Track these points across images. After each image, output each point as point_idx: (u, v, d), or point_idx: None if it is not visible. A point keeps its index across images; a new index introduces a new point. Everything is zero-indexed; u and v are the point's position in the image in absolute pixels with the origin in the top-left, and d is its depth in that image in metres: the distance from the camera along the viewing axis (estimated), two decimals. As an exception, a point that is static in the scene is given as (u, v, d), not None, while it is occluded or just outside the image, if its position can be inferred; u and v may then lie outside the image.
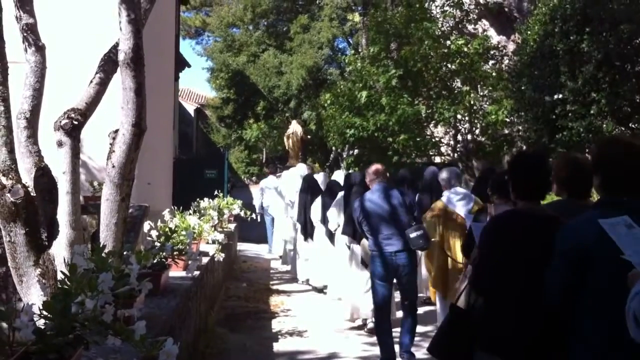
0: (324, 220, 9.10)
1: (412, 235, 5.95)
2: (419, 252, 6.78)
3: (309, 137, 19.54)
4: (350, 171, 12.03)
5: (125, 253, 3.77)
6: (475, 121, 13.09)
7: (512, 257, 3.26)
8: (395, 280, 6.45)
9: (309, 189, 10.39)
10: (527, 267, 3.16)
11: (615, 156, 2.76)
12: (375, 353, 6.42)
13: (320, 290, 9.97)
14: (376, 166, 6.75)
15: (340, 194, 8.61)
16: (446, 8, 13.73)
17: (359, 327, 7.77)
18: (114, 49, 4.89)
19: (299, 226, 10.80)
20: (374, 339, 6.89)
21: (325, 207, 9.11)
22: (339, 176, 10.10)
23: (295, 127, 16.08)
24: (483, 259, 3.44)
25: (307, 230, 10.22)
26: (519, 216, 3.39)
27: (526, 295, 3.16)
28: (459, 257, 6.36)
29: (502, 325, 3.24)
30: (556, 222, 3.13)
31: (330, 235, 8.98)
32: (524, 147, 12.44)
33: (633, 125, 9.50)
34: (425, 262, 7.37)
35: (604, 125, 9.05)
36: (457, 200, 6.81)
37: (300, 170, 12.73)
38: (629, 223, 2.43)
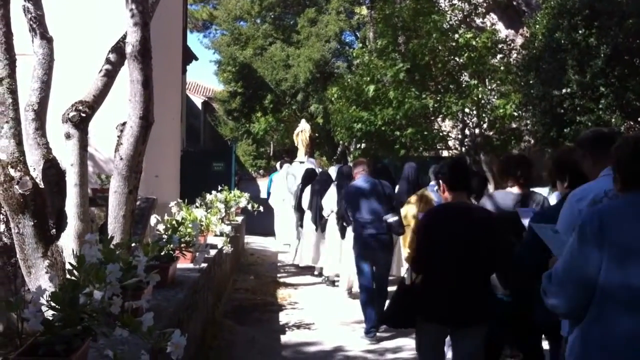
0: (311, 207, 10.62)
1: (390, 220, 6.73)
2: (395, 236, 7.58)
3: (317, 135, 19.74)
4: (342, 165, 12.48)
5: (133, 245, 3.78)
6: (483, 115, 13.03)
7: (440, 242, 4.09)
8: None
9: (317, 182, 10.85)
10: (452, 249, 4.02)
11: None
12: (381, 347, 6.43)
13: (333, 282, 10.09)
14: (361, 160, 8.05)
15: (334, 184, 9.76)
16: (454, 1, 13.64)
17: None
18: (122, 41, 4.90)
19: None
20: (380, 333, 6.98)
21: (313, 195, 10.59)
22: (333, 171, 11.09)
23: (304, 126, 16.39)
24: (419, 244, 4.27)
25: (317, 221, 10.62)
26: (446, 208, 4.32)
27: (453, 272, 4.03)
28: None
29: (436, 297, 4.07)
30: (473, 211, 4.23)
31: (315, 221, 10.51)
32: (532, 141, 12.40)
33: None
34: (402, 243, 8.12)
35: (612, 120, 9.00)
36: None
37: (306, 165, 13.65)
38: (555, 229, 3.10)
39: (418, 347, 4.34)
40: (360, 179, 7.56)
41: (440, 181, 4.37)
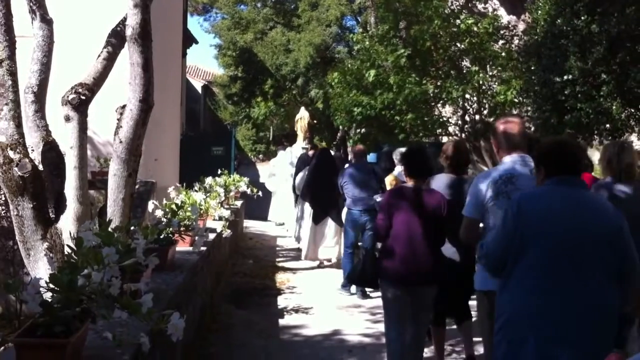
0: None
1: (378, 200, 7.25)
2: None
3: (315, 122, 19.85)
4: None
5: (132, 228, 3.78)
6: (484, 101, 13.01)
7: (398, 217, 4.84)
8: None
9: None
10: (407, 223, 4.81)
11: None
12: (378, 330, 6.46)
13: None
14: (359, 147, 9.47)
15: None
16: (456, -14, 13.62)
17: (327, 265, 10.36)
18: (122, 24, 4.88)
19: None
20: (377, 316, 7.01)
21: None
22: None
23: (303, 113, 16.49)
24: (381, 218, 4.94)
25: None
26: (405, 189, 5.02)
27: (407, 242, 4.79)
28: None
29: (394, 261, 4.82)
30: (424, 192, 4.97)
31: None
32: (532, 128, 12.39)
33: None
34: None
35: (613, 107, 8.98)
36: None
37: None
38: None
39: (384, 305, 5.08)
40: (356, 164, 8.88)
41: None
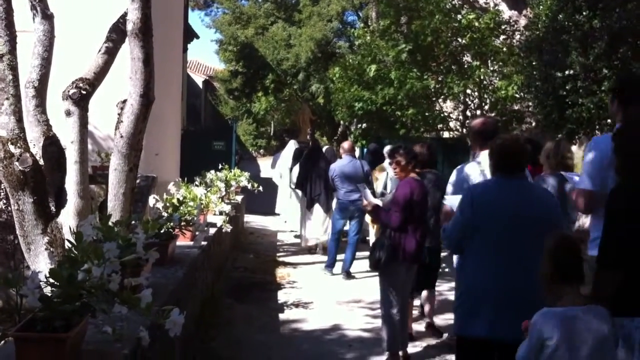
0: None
1: (365, 190, 7.53)
2: None
3: (315, 117, 19.91)
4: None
5: (132, 223, 3.79)
6: (485, 96, 12.99)
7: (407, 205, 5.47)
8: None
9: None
10: (411, 211, 5.48)
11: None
12: (377, 325, 6.47)
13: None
14: (348, 142, 10.38)
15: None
16: (458, -19, 13.60)
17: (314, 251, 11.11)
18: (123, 18, 4.87)
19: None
20: (376, 312, 7.00)
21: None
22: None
23: (303, 109, 16.52)
24: (392, 206, 5.61)
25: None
26: (415, 180, 5.67)
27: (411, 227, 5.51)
28: None
29: (399, 244, 5.49)
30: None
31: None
32: (533, 123, 12.39)
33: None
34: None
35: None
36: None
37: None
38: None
39: (390, 283, 5.71)
40: (345, 158, 9.71)
41: (395, 160, 5.80)
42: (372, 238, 9.94)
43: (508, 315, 3.51)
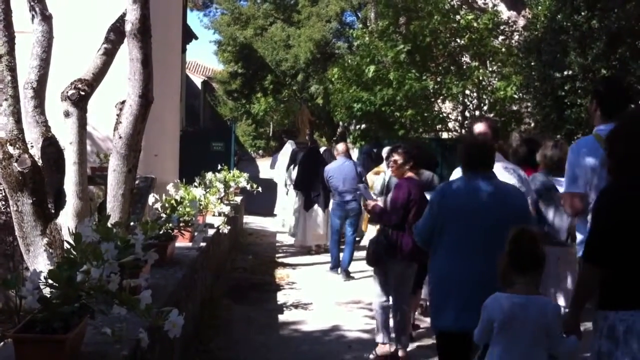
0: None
1: (365, 190, 7.74)
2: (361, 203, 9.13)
3: (314, 118, 19.94)
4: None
5: (131, 224, 3.78)
6: (484, 97, 12.98)
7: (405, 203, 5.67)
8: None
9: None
10: (409, 210, 5.66)
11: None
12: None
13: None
14: (342, 144, 10.59)
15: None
16: (456, -18, 13.58)
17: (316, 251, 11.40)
18: (121, 19, 4.86)
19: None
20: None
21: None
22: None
23: (302, 109, 16.60)
24: (391, 205, 5.81)
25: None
26: (412, 179, 5.96)
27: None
28: None
29: (397, 242, 5.68)
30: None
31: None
32: (532, 124, 12.37)
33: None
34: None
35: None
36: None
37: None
38: None
39: (384, 279, 5.93)
40: (340, 159, 10.02)
41: (392, 161, 6.10)
42: (366, 238, 10.03)
43: (474, 307, 3.56)
